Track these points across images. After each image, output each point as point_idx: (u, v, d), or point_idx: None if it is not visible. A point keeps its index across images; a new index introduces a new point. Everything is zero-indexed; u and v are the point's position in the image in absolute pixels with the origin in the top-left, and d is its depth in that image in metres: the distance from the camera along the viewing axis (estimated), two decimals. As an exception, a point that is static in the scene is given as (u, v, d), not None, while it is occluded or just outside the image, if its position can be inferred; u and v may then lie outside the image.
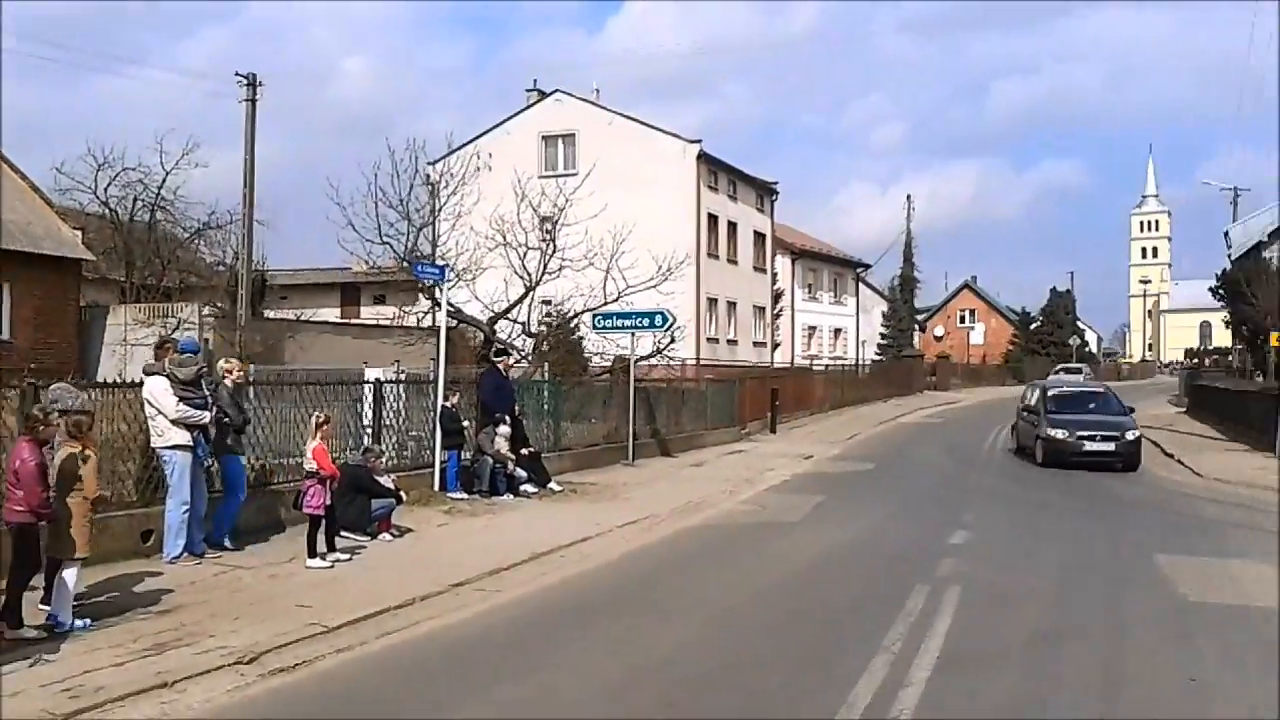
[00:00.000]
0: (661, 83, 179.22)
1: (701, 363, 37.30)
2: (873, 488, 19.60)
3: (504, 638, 8.73)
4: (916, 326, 76.53)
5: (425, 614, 9.24)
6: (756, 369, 38.33)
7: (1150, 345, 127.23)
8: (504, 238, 24.85)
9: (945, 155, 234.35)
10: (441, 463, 15.70)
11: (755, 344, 46.22)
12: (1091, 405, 23.62)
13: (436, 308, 25.27)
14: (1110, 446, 21.54)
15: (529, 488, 16.54)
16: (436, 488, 15.58)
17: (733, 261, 43.66)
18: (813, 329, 58.41)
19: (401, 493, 13.32)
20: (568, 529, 13.43)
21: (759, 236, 46.95)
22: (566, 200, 25.49)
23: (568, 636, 8.71)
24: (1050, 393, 24.51)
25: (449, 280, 27.04)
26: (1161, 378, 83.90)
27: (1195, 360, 73.79)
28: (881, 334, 68.26)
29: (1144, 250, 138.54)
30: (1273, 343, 24.14)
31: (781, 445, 27.17)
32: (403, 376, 17.17)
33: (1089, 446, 21.53)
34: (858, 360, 58.43)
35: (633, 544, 13.09)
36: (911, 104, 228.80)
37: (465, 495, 15.62)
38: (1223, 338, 69.44)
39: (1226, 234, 44.74)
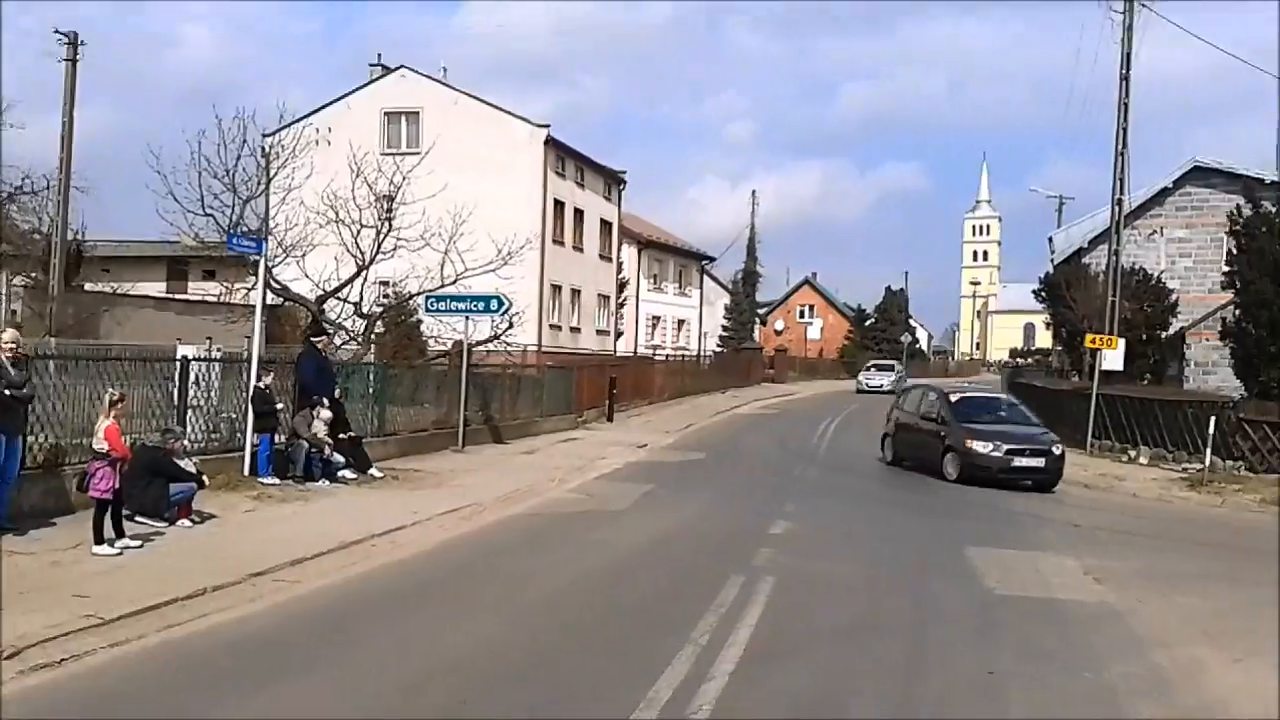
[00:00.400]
0: (516, 68, 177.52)
1: (544, 349, 36.89)
2: (702, 477, 19.65)
3: (295, 633, 8.25)
4: (757, 320, 77.82)
5: (215, 606, 8.67)
6: (595, 357, 38.14)
7: (978, 344, 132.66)
8: (336, 214, 24.00)
9: (794, 154, 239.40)
10: (253, 446, 14.94)
11: (599, 332, 46.07)
12: (1003, 414, 20.99)
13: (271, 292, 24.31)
14: (1040, 463, 18.79)
15: (348, 474, 15.91)
16: (247, 472, 14.79)
17: (578, 249, 43.36)
18: (657, 319, 58.66)
19: (204, 477, 12.54)
20: (383, 517, 12.93)
21: (605, 225, 46.78)
22: (404, 178, 24.68)
23: (364, 631, 8.29)
24: (954, 399, 21.35)
25: (276, 256, 26.20)
26: (986, 375, 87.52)
27: (1017, 360, 77.21)
28: (724, 326, 69.13)
29: (975, 253, 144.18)
30: (1087, 344, 25.17)
31: (617, 434, 27.08)
32: (218, 355, 16.28)
33: (1019, 463, 18.71)
34: (700, 351, 59.01)
35: (450, 533, 12.70)
36: (763, 102, 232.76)
37: (278, 481, 14.86)
38: (1045, 339, 72.83)
39: (1050, 240, 46.73)
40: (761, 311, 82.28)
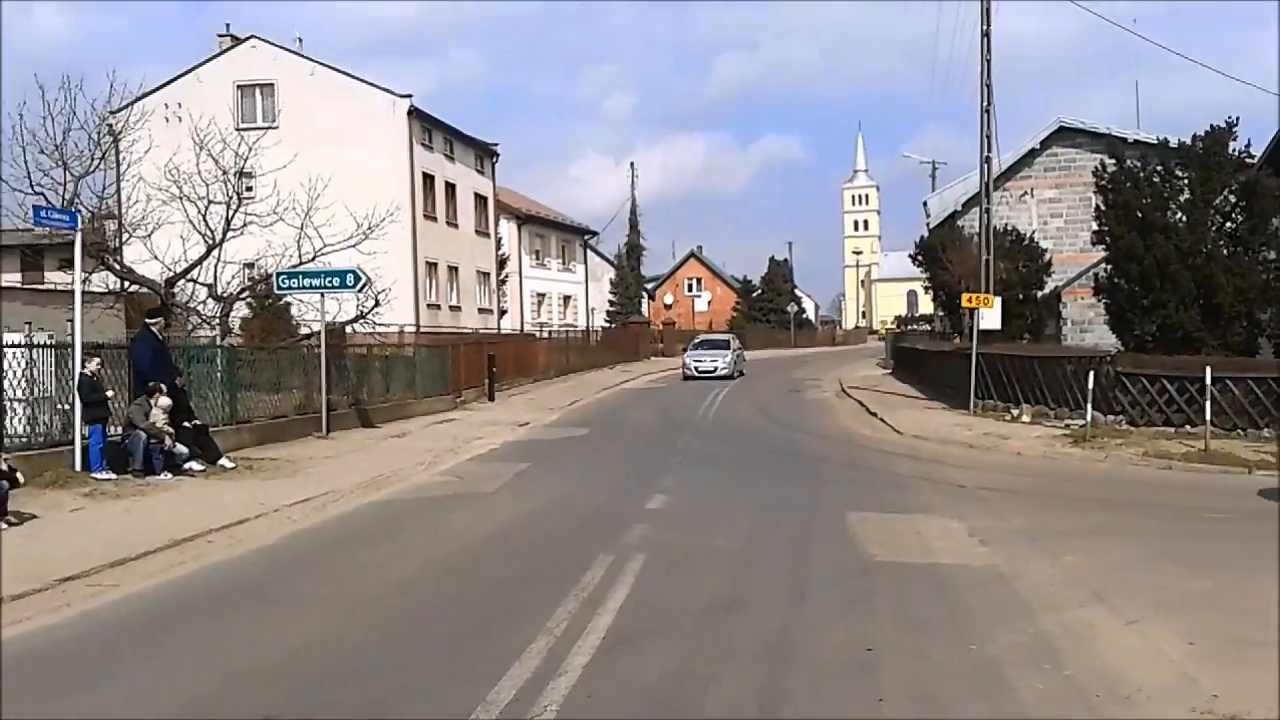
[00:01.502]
0: (384, 47, 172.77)
1: (422, 330, 35.66)
2: (582, 454, 18.88)
3: (98, 642, 7.25)
4: (645, 294, 77.37)
5: (16, 615, 7.71)
6: (474, 335, 37.01)
7: (864, 313, 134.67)
8: (180, 190, 22.48)
9: (675, 128, 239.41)
10: (84, 439, 13.66)
11: (480, 310, 44.84)
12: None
13: (103, 268, 22.66)
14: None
15: (194, 465, 14.70)
16: (79, 468, 13.55)
17: (453, 224, 42.03)
18: (542, 296, 57.63)
19: (18, 474, 11.33)
20: (226, 510, 11.88)
21: (480, 199, 45.48)
22: (249, 149, 23.25)
23: (176, 637, 7.31)
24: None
25: (116, 236, 24.52)
26: (873, 342, 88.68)
27: (901, 326, 78.20)
28: (610, 301, 68.48)
29: (856, 223, 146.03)
30: (964, 304, 25.05)
31: (497, 413, 26.11)
32: (47, 341, 14.84)
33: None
34: (588, 327, 58.20)
35: (299, 524, 11.68)
36: (641, 75, 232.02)
37: (113, 476, 13.63)
38: (928, 305, 73.74)
39: (925, 204, 47.06)
40: (649, 286, 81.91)
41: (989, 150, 25.97)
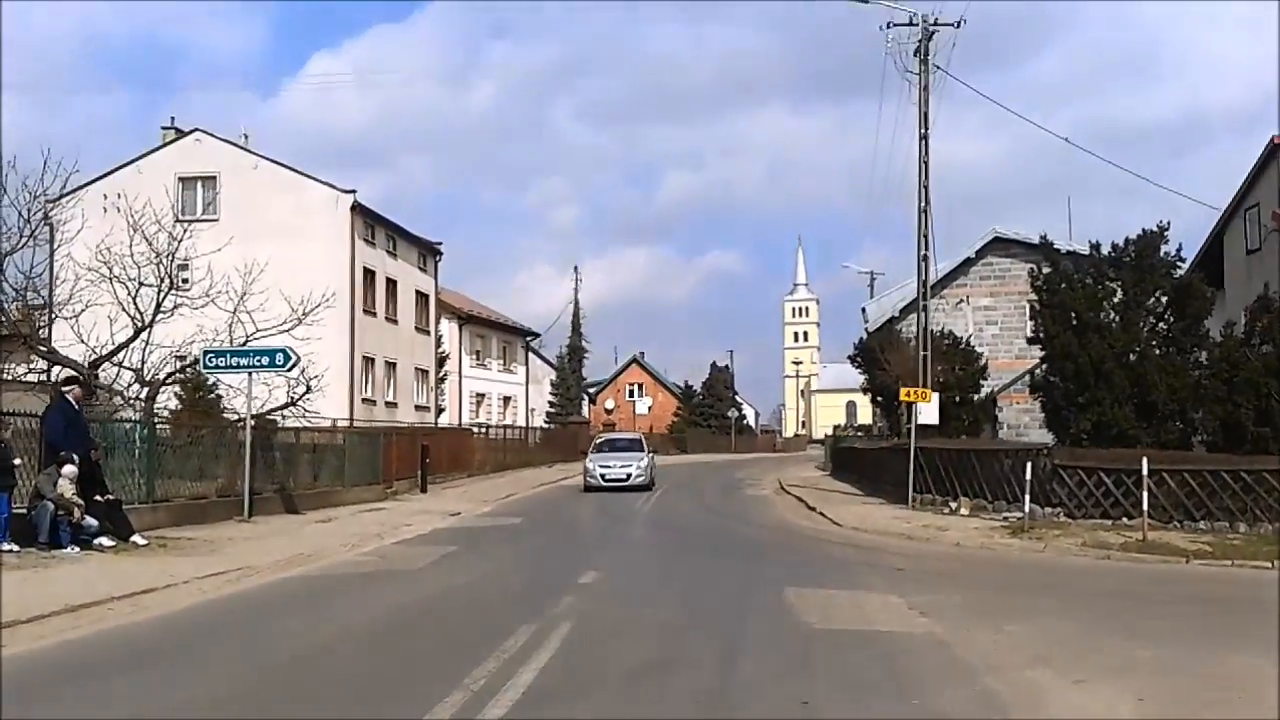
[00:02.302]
0: (338, 154, 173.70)
1: (356, 424, 34.92)
2: (515, 539, 18.34)
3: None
4: (586, 397, 77.08)
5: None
6: (407, 427, 36.34)
7: (803, 423, 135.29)
8: (111, 270, 21.96)
9: (621, 240, 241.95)
10: (-14, 509, 12.93)
11: (418, 407, 44.17)
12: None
13: (28, 351, 21.99)
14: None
15: (105, 540, 13.95)
16: (-21, 540, 12.79)
17: (392, 320, 41.63)
18: (481, 396, 57.04)
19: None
20: (132, 581, 11.21)
21: (422, 297, 45.20)
22: (185, 231, 22.87)
23: (58, 695, 6.72)
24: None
25: (43, 317, 23.84)
26: (812, 450, 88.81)
27: (840, 434, 78.47)
28: (550, 402, 68.05)
29: (796, 334, 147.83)
30: (902, 398, 25.09)
31: (429, 503, 25.44)
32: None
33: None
34: (527, 424, 57.61)
35: (208, 596, 11.03)
36: (588, 189, 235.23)
37: (16, 547, 12.86)
38: (866, 416, 74.26)
39: (864, 310, 47.81)
40: (591, 391, 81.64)
41: (926, 249, 26.35)
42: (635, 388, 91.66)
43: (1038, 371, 25.04)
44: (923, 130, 26.03)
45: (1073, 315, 22.92)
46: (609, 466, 31.47)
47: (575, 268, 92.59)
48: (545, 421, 64.56)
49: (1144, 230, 23.30)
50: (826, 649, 8.27)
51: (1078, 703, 6.66)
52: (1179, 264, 23.65)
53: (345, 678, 7.38)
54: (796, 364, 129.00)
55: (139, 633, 8.99)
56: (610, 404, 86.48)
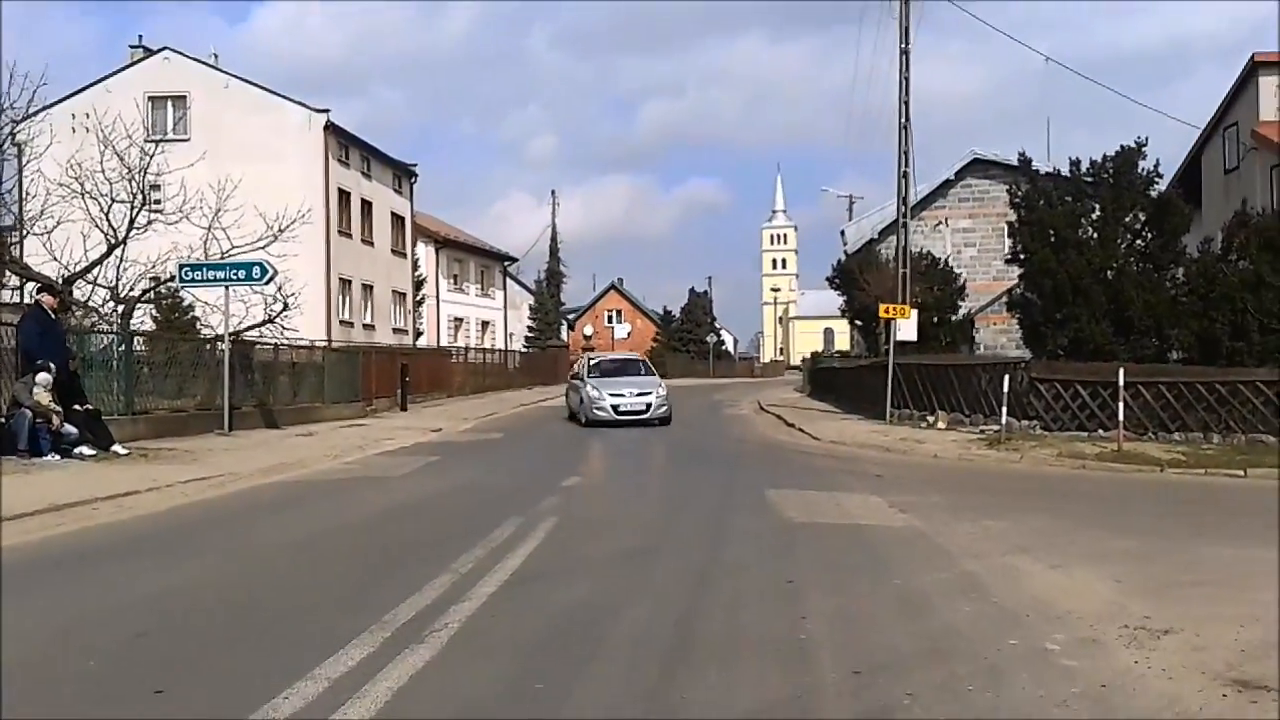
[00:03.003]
0: (311, 83, 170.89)
1: (334, 345, 34.77)
2: (497, 451, 18.42)
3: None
4: (565, 323, 77.00)
5: None
6: (386, 347, 36.25)
7: (781, 349, 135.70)
8: (83, 186, 21.63)
9: (599, 170, 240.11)
10: (-36, 419, 12.86)
11: (396, 330, 44.00)
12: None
13: (10, 272, 21.72)
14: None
15: (85, 450, 13.89)
16: (-42, 449, 12.74)
17: (368, 242, 41.27)
18: (459, 320, 56.85)
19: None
20: (117, 485, 11.19)
21: (398, 219, 44.78)
22: (157, 147, 22.48)
23: (48, 581, 6.74)
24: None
25: (14, 232, 23.50)
26: (790, 375, 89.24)
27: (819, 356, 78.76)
28: (529, 328, 67.98)
29: (774, 261, 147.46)
30: (881, 315, 25.13)
31: (410, 420, 25.45)
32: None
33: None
34: (506, 348, 57.58)
35: (191, 498, 11.05)
36: (566, 119, 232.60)
37: (-5, 456, 12.83)
38: (844, 342, 74.50)
39: (843, 233, 47.68)
40: (570, 317, 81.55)
41: (906, 165, 26.25)
42: (614, 313, 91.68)
43: (1015, 290, 25.12)
44: (903, 45, 25.77)
45: (1051, 232, 22.95)
46: (621, 395, 24.34)
47: (553, 192, 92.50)
48: (524, 346, 64.51)
49: (1122, 147, 23.25)
50: (809, 538, 8.39)
51: (1056, 581, 6.79)
52: (1157, 179, 23.62)
53: (332, 564, 7.44)
54: (775, 291, 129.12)
55: (126, 529, 9.02)
56: (589, 330, 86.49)
